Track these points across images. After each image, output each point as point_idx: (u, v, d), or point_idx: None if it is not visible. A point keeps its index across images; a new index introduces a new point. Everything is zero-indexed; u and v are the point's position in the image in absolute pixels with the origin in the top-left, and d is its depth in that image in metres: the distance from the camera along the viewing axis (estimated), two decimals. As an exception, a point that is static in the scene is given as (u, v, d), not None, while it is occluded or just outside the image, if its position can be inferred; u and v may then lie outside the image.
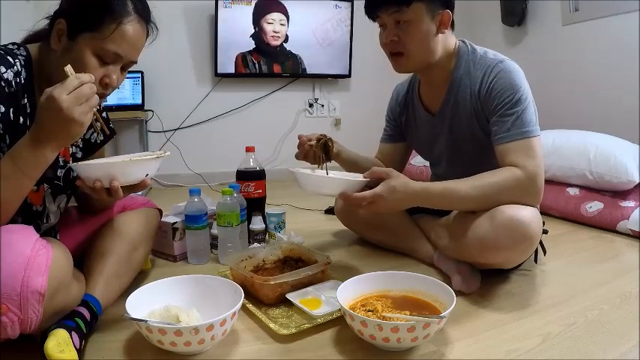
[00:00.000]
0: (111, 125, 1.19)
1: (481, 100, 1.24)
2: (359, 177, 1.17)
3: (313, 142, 1.31)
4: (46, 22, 0.93)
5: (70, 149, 1.09)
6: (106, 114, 1.18)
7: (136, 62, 0.95)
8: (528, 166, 1.13)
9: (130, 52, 0.92)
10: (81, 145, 1.12)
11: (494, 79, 1.20)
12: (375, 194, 1.10)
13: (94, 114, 0.85)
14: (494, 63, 1.23)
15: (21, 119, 0.89)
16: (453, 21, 1.26)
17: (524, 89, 1.19)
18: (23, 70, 0.89)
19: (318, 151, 1.29)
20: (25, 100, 0.89)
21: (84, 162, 0.93)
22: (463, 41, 1.32)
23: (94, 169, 0.90)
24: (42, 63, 0.92)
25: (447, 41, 1.27)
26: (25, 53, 0.91)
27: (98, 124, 0.91)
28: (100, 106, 1.13)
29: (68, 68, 0.81)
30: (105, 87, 0.91)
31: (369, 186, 1.13)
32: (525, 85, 1.20)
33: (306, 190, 1.18)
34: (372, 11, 1.26)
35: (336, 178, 1.17)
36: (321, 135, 1.30)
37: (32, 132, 0.80)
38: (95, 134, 1.14)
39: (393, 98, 1.56)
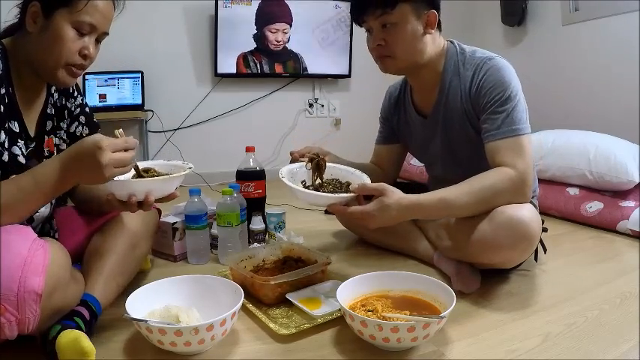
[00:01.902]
0: (95, 120, 1.20)
1: (472, 98, 1.23)
2: (360, 177, 1.16)
3: (305, 160, 1.28)
4: (12, 21, 0.98)
5: (54, 140, 1.10)
6: (89, 109, 1.19)
7: (107, 34, 1.00)
8: (519, 165, 1.12)
9: (103, 23, 0.97)
10: (64, 137, 1.13)
11: (484, 77, 1.20)
12: (365, 212, 1.09)
13: (136, 169, 0.99)
14: (483, 61, 1.22)
15: (2, 108, 0.91)
16: (439, 22, 1.25)
17: (514, 86, 1.18)
18: (0, 63, 0.91)
19: (312, 170, 1.25)
20: (3, 90, 0.91)
21: (120, 179, 0.96)
22: (451, 42, 1.31)
23: (133, 185, 0.94)
24: (18, 51, 0.95)
25: (434, 42, 1.27)
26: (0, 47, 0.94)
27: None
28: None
29: (119, 132, 0.91)
30: (84, 58, 0.96)
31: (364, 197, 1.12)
32: (515, 81, 1.20)
33: (299, 200, 1.18)
34: (357, 16, 1.25)
35: (323, 195, 1.15)
36: (314, 155, 1.27)
37: (63, 160, 0.86)
38: (80, 127, 1.16)
39: (386, 100, 1.55)
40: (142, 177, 1.00)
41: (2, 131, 0.91)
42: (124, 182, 0.95)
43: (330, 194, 1.14)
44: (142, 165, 1.04)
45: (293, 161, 1.32)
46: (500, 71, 1.19)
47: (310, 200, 1.16)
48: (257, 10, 2.96)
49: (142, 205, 0.96)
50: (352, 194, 1.12)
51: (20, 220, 0.87)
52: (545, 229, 1.31)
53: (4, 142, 0.92)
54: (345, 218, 1.10)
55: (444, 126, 1.33)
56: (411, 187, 1.57)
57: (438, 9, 1.23)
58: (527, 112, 1.20)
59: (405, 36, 1.21)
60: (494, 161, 1.16)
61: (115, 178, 0.94)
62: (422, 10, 1.20)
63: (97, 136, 0.85)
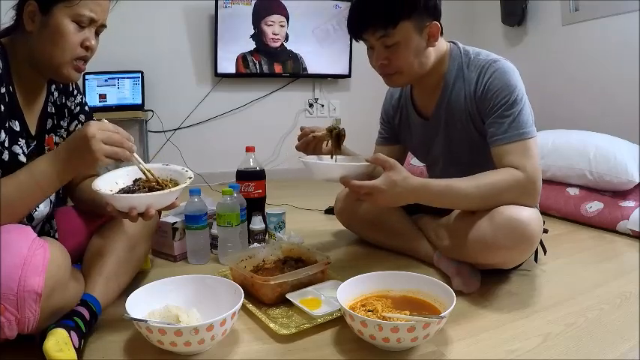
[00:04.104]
0: (94, 119, 1.20)
1: (476, 101, 1.23)
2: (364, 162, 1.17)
3: (318, 134, 1.30)
4: (8, 24, 0.98)
5: (55, 138, 1.10)
6: (88, 107, 1.20)
7: (105, 26, 1.01)
8: (527, 167, 1.12)
9: (101, 14, 0.98)
10: (65, 136, 1.13)
11: (490, 80, 1.19)
12: (374, 186, 1.09)
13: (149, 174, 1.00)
14: (489, 63, 1.21)
15: (2, 107, 0.91)
16: (441, 28, 1.23)
17: (520, 89, 1.18)
18: (0, 61, 0.91)
19: (332, 141, 1.29)
20: (4, 89, 0.92)
21: (122, 194, 0.97)
22: (454, 43, 1.30)
23: (134, 200, 0.94)
24: (17, 51, 0.96)
25: (437, 49, 1.25)
26: None
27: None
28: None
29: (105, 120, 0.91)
30: (87, 49, 0.97)
31: (372, 177, 1.12)
32: (520, 84, 1.19)
33: (315, 176, 1.21)
34: (356, 33, 1.23)
35: (336, 164, 1.17)
36: (333, 126, 1.29)
37: (56, 150, 0.89)
38: (80, 126, 1.16)
39: (387, 100, 1.55)
40: (147, 180, 1.00)
41: (2, 130, 0.92)
42: (125, 197, 0.94)
43: (345, 163, 1.16)
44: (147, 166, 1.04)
45: (302, 136, 1.32)
46: (506, 74, 1.18)
47: (325, 172, 1.17)
48: (253, 10, 2.97)
49: (143, 215, 0.96)
50: (366, 164, 1.13)
51: (20, 217, 0.88)
52: (545, 231, 1.31)
53: (5, 141, 0.92)
54: (353, 191, 1.11)
55: (445, 127, 1.32)
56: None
57: (439, 18, 1.21)
58: (532, 114, 1.20)
59: (409, 54, 1.19)
60: (502, 164, 1.16)
61: (116, 195, 0.94)
62: (424, 24, 1.18)
63: (92, 121, 0.88)
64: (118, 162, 0.92)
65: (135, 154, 0.93)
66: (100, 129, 0.86)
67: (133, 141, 0.91)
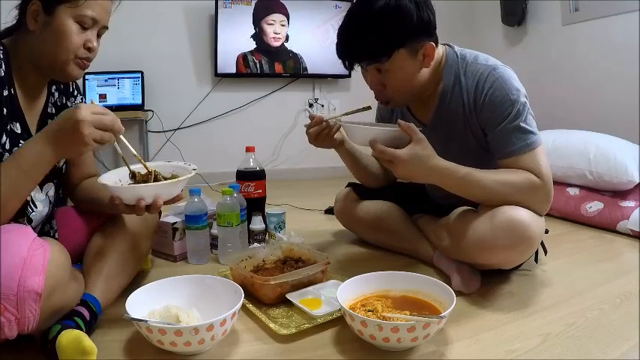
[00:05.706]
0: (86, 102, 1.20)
1: (477, 111, 1.21)
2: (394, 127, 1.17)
3: (330, 121, 1.32)
4: (11, 22, 0.98)
5: None
6: None
7: (107, 28, 1.01)
8: (543, 175, 1.13)
9: (104, 16, 0.98)
10: None
11: (490, 91, 1.17)
12: (396, 155, 1.08)
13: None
14: (487, 71, 1.19)
15: (4, 110, 0.91)
16: (436, 37, 1.20)
17: (522, 97, 1.16)
18: (2, 63, 0.91)
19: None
20: (6, 92, 0.92)
21: (130, 185, 0.98)
22: (450, 46, 1.28)
23: (141, 190, 0.95)
24: (19, 50, 0.96)
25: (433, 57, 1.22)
26: (1, 48, 0.94)
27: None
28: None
29: (95, 102, 0.91)
30: (89, 50, 0.97)
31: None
32: (521, 91, 1.17)
33: (351, 138, 1.31)
34: (346, 62, 1.20)
35: (367, 127, 1.19)
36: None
37: (43, 130, 0.87)
38: None
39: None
40: (148, 177, 1.00)
41: (4, 133, 0.91)
42: (133, 188, 0.95)
43: (378, 128, 1.20)
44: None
45: (315, 124, 1.31)
46: (507, 84, 1.16)
47: (358, 135, 1.19)
48: (254, 9, 2.97)
49: (149, 208, 0.96)
50: (396, 129, 1.12)
51: (13, 210, 0.87)
52: (546, 231, 1.30)
53: (5, 143, 0.92)
54: (378, 153, 1.11)
55: (443, 134, 1.30)
56: (410, 187, 1.57)
57: (433, 33, 1.18)
58: (534, 117, 1.18)
59: (403, 79, 1.19)
60: None
61: (124, 187, 0.95)
62: (418, 47, 1.15)
63: (80, 103, 0.86)
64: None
65: (122, 137, 0.92)
66: (91, 112, 0.84)
67: (120, 123, 0.90)
